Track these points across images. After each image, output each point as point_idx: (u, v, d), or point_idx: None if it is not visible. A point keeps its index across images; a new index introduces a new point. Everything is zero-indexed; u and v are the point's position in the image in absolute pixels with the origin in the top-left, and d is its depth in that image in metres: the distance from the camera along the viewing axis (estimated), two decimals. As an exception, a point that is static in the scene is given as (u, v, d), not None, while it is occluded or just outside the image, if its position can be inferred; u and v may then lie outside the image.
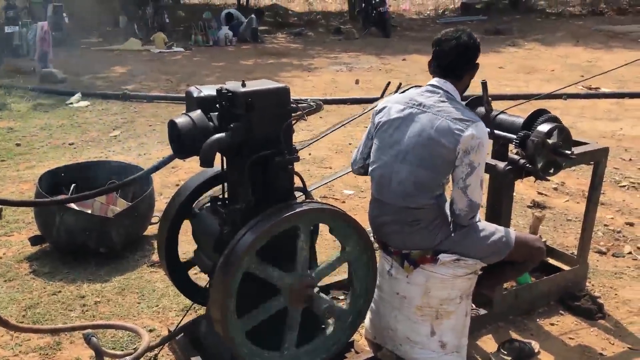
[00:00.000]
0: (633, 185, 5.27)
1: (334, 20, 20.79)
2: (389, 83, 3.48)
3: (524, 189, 5.20)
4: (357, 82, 10.15)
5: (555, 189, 5.24)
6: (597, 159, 3.33)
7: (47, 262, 3.88)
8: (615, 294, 3.53)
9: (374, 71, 11.25)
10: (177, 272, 2.90)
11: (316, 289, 2.51)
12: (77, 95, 8.57)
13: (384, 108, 2.68)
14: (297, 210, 2.40)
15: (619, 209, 4.77)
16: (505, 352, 2.92)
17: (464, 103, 2.69)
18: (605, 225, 4.46)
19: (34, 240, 4.01)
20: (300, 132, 6.45)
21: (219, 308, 2.36)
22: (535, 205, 4.81)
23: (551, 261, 3.64)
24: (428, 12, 23.25)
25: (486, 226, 2.66)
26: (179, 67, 11.86)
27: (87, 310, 3.36)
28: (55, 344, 3.05)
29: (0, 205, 4.50)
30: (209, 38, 15.23)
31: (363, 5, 17.38)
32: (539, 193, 5.13)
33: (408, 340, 2.71)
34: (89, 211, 3.99)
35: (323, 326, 2.69)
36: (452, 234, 2.58)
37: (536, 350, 2.97)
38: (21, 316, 3.29)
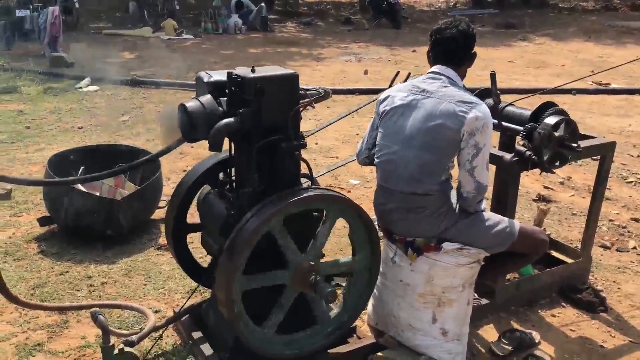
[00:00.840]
0: (639, 180, 5.27)
1: (344, 10, 20.75)
2: (397, 72, 3.49)
3: (530, 183, 5.21)
4: (365, 72, 10.14)
5: (562, 183, 5.24)
6: (604, 153, 3.33)
7: (55, 243, 3.93)
8: (618, 288, 3.54)
9: (383, 62, 11.23)
10: (183, 253, 2.95)
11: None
12: (87, 80, 8.63)
13: (387, 97, 2.71)
14: (302, 195, 2.43)
15: (625, 204, 4.77)
16: (506, 342, 2.94)
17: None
18: (611, 220, 4.47)
19: (43, 221, 4.05)
20: (308, 122, 6.47)
21: (223, 290, 2.39)
22: (541, 198, 4.82)
23: (555, 254, 3.64)
24: (439, 5, 23.16)
25: (491, 216, 2.68)
26: (188, 54, 11.88)
27: (93, 291, 3.41)
28: (62, 322, 3.10)
29: (10, 186, 4.56)
30: (218, 26, 15.25)
31: (374, -4, 17.35)
32: (545, 187, 5.14)
33: (410, 327, 2.74)
34: (97, 194, 4.03)
35: (325, 311, 2.74)
36: (457, 223, 2.60)
37: (537, 341, 3.00)
38: (29, 294, 3.34)
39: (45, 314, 3.16)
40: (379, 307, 2.87)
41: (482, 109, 2.49)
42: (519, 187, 5.04)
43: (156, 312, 3.19)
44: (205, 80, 2.63)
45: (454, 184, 2.66)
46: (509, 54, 12.56)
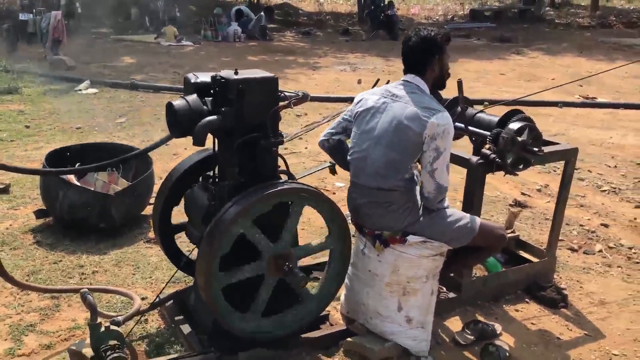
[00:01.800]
0: (613, 190, 5.49)
1: (343, 21, 21.05)
2: (377, 80, 3.72)
3: (509, 189, 5.43)
4: (359, 82, 10.38)
5: (539, 190, 5.46)
6: (567, 158, 3.55)
7: (50, 235, 4.14)
8: (581, 287, 3.75)
9: (378, 72, 11.49)
10: (169, 242, 3.16)
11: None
12: (86, 83, 8.86)
13: (361, 99, 2.94)
14: (277, 188, 2.65)
15: (597, 211, 4.99)
16: (469, 332, 3.15)
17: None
18: (581, 225, 4.68)
19: (39, 214, 4.26)
20: (299, 127, 6.68)
21: (203, 275, 2.60)
22: (517, 204, 5.03)
23: (523, 254, 3.86)
24: (437, 17, 23.47)
25: (454, 213, 2.89)
26: (187, 60, 12.13)
27: (85, 278, 3.61)
28: (54, 306, 3.30)
29: (8, 180, 4.77)
30: (217, 33, 15.50)
31: (372, 7, 17.66)
32: (522, 193, 5.36)
33: (377, 314, 2.95)
34: (92, 189, 4.24)
35: (300, 298, 2.94)
36: (421, 218, 2.82)
37: (498, 332, 3.20)
38: (24, 280, 3.52)
39: (38, 297, 3.36)
40: (350, 296, 3.08)
41: (443, 116, 2.70)
42: (498, 193, 5.29)
43: (143, 299, 3.38)
44: (192, 81, 2.85)
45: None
46: (502, 67, 12.83)
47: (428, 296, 2.94)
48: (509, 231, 4.03)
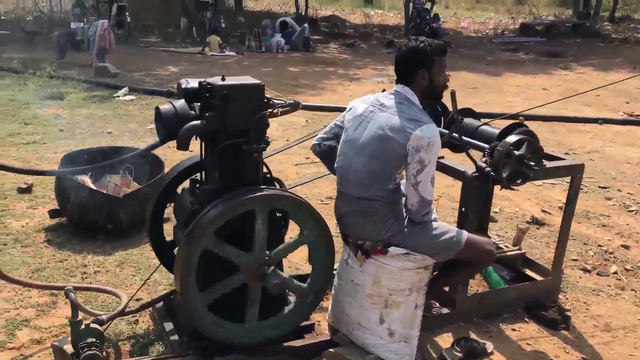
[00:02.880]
0: (641, 210, 5.27)
1: (389, 33, 20.97)
2: (384, 90, 3.69)
3: (529, 206, 5.28)
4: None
5: (561, 208, 5.28)
6: (572, 174, 3.42)
7: (61, 234, 4.26)
8: (587, 309, 3.60)
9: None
10: (159, 240, 3.22)
11: (272, 268, 2.74)
12: (124, 89, 9.12)
13: (352, 107, 2.92)
14: (257, 194, 2.65)
15: (619, 231, 4.78)
16: (458, 349, 3.06)
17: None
18: (600, 245, 4.50)
19: (53, 214, 4.40)
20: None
21: (179, 278, 2.62)
22: (534, 221, 4.88)
23: (528, 272, 3.74)
24: (487, 31, 23.12)
25: (439, 225, 2.83)
26: (228, 70, 12.32)
27: (86, 277, 3.70)
28: (51, 303, 3.39)
29: (31, 181, 4.95)
30: (261, 44, 15.71)
31: (418, 20, 17.59)
32: (543, 210, 5.19)
33: (359, 325, 2.90)
34: (104, 191, 4.35)
35: (285, 304, 2.94)
36: (404, 229, 2.76)
37: (489, 351, 3.10)
38: (28, 277, 3.65)
39: (37, 294, 3.46)
40: (335, 305, 3.04)
41: (428, 129, 2.64)
42: (517, 209, 5.15)
43: (138, 300, 3.44)
44: (183, 86, 2.89)
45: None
46: (546, 81, 12.52)
47: (411, 310, 2.87)
48: (515, 248, 3.93)
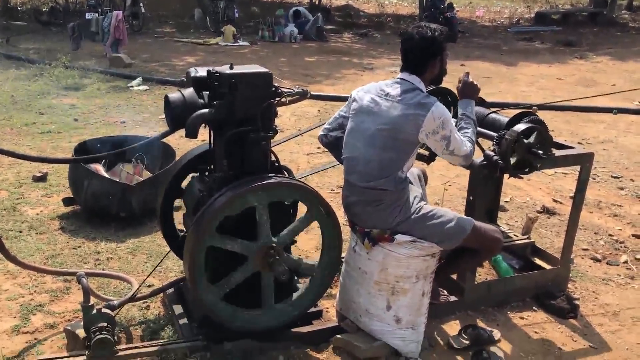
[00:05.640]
0: (654, 200, 5.23)
1: (404, 23, 20.84)
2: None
3: (540, 195, 5.26)
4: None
5: (572, 197, 5.25)
6: (581, 163, 3.40)
7: (74, 221, 4.33)
8: (596, 298, 3.59)
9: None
10: (170, 229, 3.27)
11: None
12: (138, 79, 9.18)
13: (357, 97, 2.92)
14: (265, 182, 2.68)
15: (631, 221, 4.76)
16: (465, 337, 3.07)
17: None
18: (610, 235, 4.48)
19: (67, 202, 4.46)
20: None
21: (189, 266, 2.66)
22: (545, 210, 4.86)
23: (537, 261, 3.74)
24: (502, 21, 22.90)
25: (445, 213, 2.84)
26: (243, 60, 12.35)
27: (99, 264, 3.76)
28: (65, 289, 3.46)
29: (46, 170, 5.02)
30: (274, 34, 15.70)
31: (432, 9, 17.45)
32: (554, 200, 5.18)
33: (367, 312, 2.94)
34: (117, 179, 4.41)
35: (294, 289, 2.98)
36: (411, 217, 2.78)
37: (496, 338, 3.11)
38: (43, 263, 3.72)
39: (52, 280, 3.52)
40: (343, 293, 3.08)
41: (437, 109, 2.67)
42: (528, 198, 5.14)
43: (149, 286, 3.49)
44: (192, 75, 2.92)
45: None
46: (560, 71, 12.41)
47: (418, 297, 2.90)
48: (524, 237, 3.93)
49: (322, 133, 3.11)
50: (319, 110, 8.16)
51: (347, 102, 3.00)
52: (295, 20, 16.53)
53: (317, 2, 21.49)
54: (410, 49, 2.81)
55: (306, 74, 11.17)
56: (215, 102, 2.71)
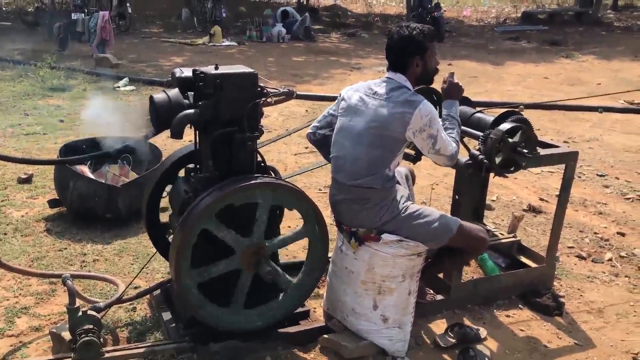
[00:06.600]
0: (639, 197, 5.27)
1: (391, 23, 20.90)
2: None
3: (527, 194, 5.30)
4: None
5: (558, 196, 5.29)
6: (566, 161, 3.43)
7: (60, 223, 4.30)
8: (581, 295, 3.62)
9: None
10: (155, 229, 3.26)
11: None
12: (125, 80, 9.14)
13: (345, 95, 2.93)
14: (250, 182, 2.67)
15: (616, 219, 4.80)
16: (451, 335, 3.09)
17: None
18: (595, 233, 4.52)
19: (52, 203, 4.43)
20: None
21: (174, 264, 2.65)
22: (531, 209, 4.90)
23: (523, 259, 3.77)
24: (489, 20, 23.03)
25: (431, 212, 2.85)
26: (230, 60, 12.33)
27: (85, 266, 3.74)
28: (50, 291, 3.44)
29: (31, 171, 4.98)
30: (262, 34, 15.69)
31: (419, 9, 17.51)
32: (541, 199, 5.21)
33: (353, 312, 2.94)
34: (103, 181, 4.38)
35: (279, 292, 2.97)
36: (397, 217, 2.79)
37: (483, 337, 3.13)
38: (28, 265, 3.69)
39: (37, 282, 3.50)
40: (330, 292, 3.08)
41: (424, 107, 2.69)
42: (514, 197, 5.17)
43: (136, 288, 3.48)
44: (177, 75, 2.91)
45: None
46: (547, 70, 12.49)
47: (405, 296, 2.91)
48: (510, 235, 3.95)
49: (310, 131, 3.12)
50: (306, 110, 8.17)
51: (336, 101, 3.01)
52: (283, 20, 16.54)
53: (304, 2, 21.54)
54: (389, 48, 2.85)
55: (294, 74, 11.17)
56: (200, 103, 2.71)
